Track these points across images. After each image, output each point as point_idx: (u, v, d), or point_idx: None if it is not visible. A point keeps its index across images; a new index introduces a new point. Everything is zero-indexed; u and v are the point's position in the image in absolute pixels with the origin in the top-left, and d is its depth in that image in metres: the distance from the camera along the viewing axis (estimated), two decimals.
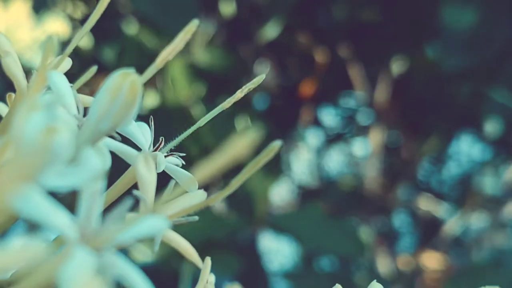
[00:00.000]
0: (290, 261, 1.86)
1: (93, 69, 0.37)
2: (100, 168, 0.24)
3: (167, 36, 1.46)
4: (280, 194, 1.97)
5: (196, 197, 0.33)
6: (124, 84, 0.27)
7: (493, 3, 1.45)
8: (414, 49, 1.81)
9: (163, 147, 0.35)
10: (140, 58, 1.50)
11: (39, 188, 0.22)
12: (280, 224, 1.44)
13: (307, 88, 1.85)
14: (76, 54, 1.73)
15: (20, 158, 0.20)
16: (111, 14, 1.60)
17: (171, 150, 0.35)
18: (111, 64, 1.52)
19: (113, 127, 0.27)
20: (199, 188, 0.33)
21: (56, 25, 1.89)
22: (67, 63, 0.36)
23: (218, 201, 0.31)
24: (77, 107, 0.31)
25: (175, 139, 0.35)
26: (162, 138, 0.35)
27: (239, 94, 0.36)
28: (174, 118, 1.41)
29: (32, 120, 0.21)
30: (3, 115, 0.38)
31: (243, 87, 0.36)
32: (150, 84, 1.56)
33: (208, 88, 1.52)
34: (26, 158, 0.20)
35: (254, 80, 0.36)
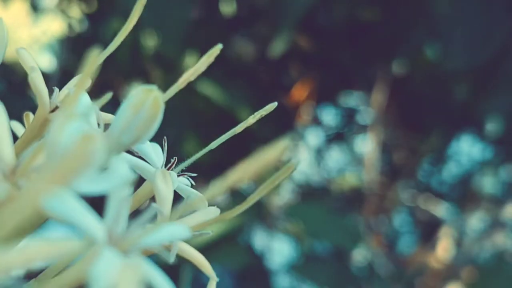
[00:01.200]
0: (291, 257, 1.87)
1: (108, 95, 0.38)
2: (129, 175, 0.26)
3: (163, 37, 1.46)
4: (280, 193, 1.97)
5: (210, 213, 0.34)
6: (147, 99, 0.28)
7: (491, 2, 1.46)
8: (414, 49, 1.82)
9: (175, 167, 0.36)
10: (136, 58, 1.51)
11: (72, 191, 0.23)
12: (284, 219, 1.45)
13: (307, 88, 1.86)
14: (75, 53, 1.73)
15: (56, 163, 0.21)
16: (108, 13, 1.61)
17: (182, 170, 0.37)
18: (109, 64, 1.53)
19: (135, 140, 0.29)
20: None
21: (55, 24, 1.90)
22: (88, 82, 0.37)
23: (233, 216, 0.32)
24: (98, 123, 0.33)
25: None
26: (175, 158, 0.36)
27: (251, 120, 0.37)
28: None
29: (70, 127, 0.22)
30: (18, 133, 0.39)
31: (256, 113, 0.37)
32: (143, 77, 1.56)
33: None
34: (63, 163, 0.21)
35: (267, 107, 0.37)
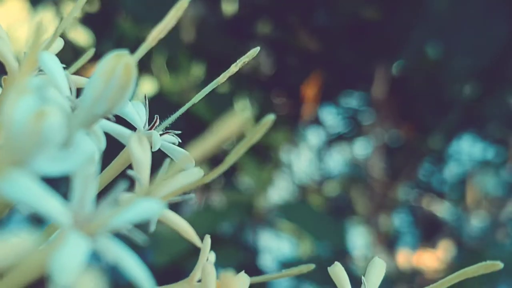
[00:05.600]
0: (286, 256, 1.86)
1: (91, 52, 0.36)
2: (94, 152, 0.24)
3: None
4: (281, 194, 1.96)
5: (193, 175, 0.32)
6: (118, 66, 0.26)
7: (492, 3, 1.45)
8: (414, 49, 1.80)
9: (158, 125, 0.34)
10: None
11: (29, 172, 0.21)
12: (278, 216, 1.44)
13: (308, 87, 1.85)
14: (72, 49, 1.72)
15: (10, 143, 0.20)
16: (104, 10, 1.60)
17: (166, 128, 0.35)
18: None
19: (108, 109, 0.27)
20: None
21: (54, 23, 1.89)
22: (59, 43, 0.35)
23: (213, 178, 0.30)
24: (70, 89, 0.31)
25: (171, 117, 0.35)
26: (156, 117, 0.34)
27: (234, 68, 0.35)
28: (173, 103, 1.39)
29: (21, 104, 0.20)
30: None
31: (237, 61, 0.35)
32: (146, 71, 1.55)
33: (207, 71, 1.50)
34: (16, 142, 0.19)
35: (248, 53, 0.35)
